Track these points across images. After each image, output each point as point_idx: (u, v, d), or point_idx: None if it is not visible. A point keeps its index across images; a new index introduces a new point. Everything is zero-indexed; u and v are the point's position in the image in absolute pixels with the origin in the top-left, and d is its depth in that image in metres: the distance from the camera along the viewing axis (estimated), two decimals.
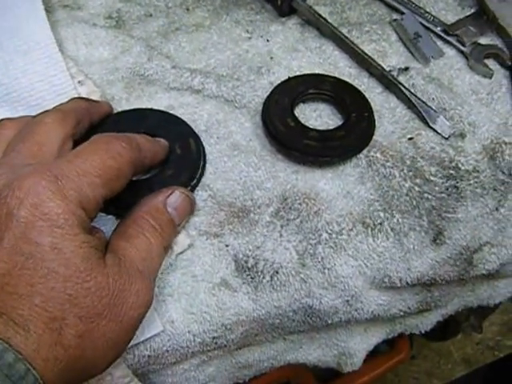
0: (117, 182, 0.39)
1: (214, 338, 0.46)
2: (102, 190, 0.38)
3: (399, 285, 0.49)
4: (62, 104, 0.47)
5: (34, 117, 0.44)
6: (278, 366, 0.58)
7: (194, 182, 0.49)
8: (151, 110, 0.53)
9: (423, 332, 0.63)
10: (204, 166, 0.50)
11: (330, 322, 0.50)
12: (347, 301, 0.49)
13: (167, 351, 0.45)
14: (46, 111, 0.45)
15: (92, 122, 0.49)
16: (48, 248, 0.34)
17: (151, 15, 0.62)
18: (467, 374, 1.29)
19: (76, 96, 0.51)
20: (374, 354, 1.05)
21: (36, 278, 0.34)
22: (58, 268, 0.34)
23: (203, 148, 0.51)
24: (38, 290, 0.33)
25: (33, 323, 0.33)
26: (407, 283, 0.49)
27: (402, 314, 0.54)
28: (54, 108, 0.46)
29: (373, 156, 0.51)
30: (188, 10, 0.63)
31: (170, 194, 0.45)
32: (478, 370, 1.29)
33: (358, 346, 0.58)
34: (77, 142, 0.43)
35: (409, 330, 0.62)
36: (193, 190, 0.49)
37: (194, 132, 0.52)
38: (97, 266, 0.36)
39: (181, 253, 0.46)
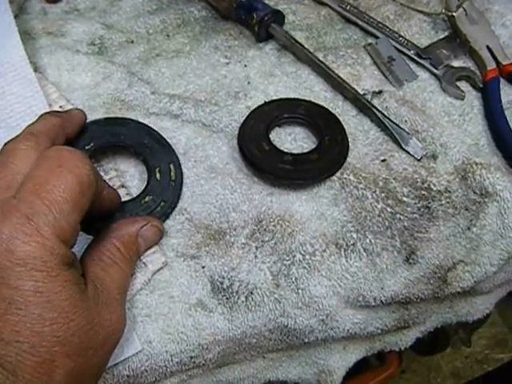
0: (83, 199, 0.38)
1: (191, 357, 0.47)
2: (74, 215, 0.37)
3: (374, 304, 0.50)
4: (33, 124, 0.45)
5: (6, 143, 0.42)
6: (260, 383, 0.58)
7: (169, 210, 0.50)
8: (131, 120, 0.55)
9: (403, 349, 0.63)
10: (180, 194, 0.52)
11: (306, 340, 0.51)
12: (322, 320, 0.49)
13: (146, 371, 0.46)
14: (18, 136, 0.43)
15: (67, 137, 0.48)
16: (30, 292, 0.33)
17: (132, 42, 0.63)
18: None
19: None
20: (363, 369, 1.06)
21: (21, 323, 0.33)
22: (43, 312, 0.34)
23: (182, 175, 0.52)
24: (25, 336, 0.33)
25: (21, 369, 0.33)
26: (382, 302, 0.50)
27: (379, 331, 0.55)
28: (25, 130, 0.44)
29: (346, 178, 0.53)
30: (168, 36, 0.64)
31: (145, 225, 0.46)
32: (467, 383, 1.29)
33: (337, 363, 0.59)
34: None
35: (388, 347, 0.62)
36: (167, 216, 0.50)
37: (176, 155, 0.53)
38: (80, 302, 0.36)
39: (156, 271, 0.47)
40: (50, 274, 0.34)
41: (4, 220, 0.34)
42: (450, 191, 0.53)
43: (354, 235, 0.50)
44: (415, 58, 0.62)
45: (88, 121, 0.53)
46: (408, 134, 0.55)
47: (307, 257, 0.49)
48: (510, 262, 0.56)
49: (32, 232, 0.34)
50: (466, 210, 0.52)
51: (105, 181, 0.45)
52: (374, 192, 0.52)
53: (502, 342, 1.33)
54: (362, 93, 0.58)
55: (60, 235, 0.35)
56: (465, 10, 0.62)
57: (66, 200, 0.36)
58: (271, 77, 0.60)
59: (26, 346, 0.33)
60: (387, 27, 0.64)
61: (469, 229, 0.52)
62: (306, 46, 0.61)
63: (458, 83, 0.60)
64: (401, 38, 0.63)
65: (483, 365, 1.31)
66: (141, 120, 0.55)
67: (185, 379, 0.51)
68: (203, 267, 0.48)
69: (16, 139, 0.42)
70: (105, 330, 0.38)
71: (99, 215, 0.46)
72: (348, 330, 0.51)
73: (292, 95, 0.59)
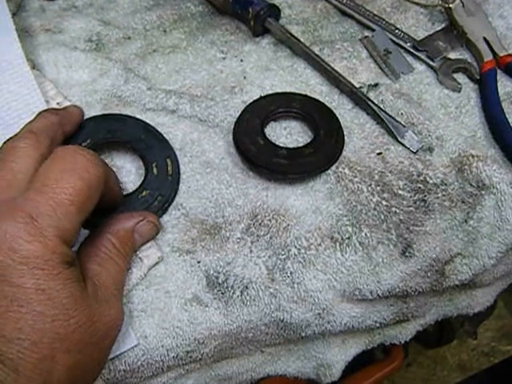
0: (89, 203, 0.38)
1: (187, 352, 0.47)
2: (78, 217, 0.37)
3: (371, 297, 0.50)
4: (31, 122, 0.46)
5: (6, 141, 0.43)
6: (258, 377, 0.59)
7: (167, 205, 0.50)
8: (128, 116, 0.55)
9: (403, 342, 0.63)
10: (177, 188, 0.52)
11: (303, 334, 0.51)
12: (318, 314, 0.49)
13: (142, 365, 0.46)
14: (17, 134, 0.44)
15: (66, 134, 0.49)
16: (32, 290, 0.34)
17: (129, 38, 0.64)
18: (463, 381, 1.29)
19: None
20: (368, 362, 1.07)
21: (23, 321, 0.33)
22: (44, 309, 0.34)
23: (179, 170, 0.52)
24: (26, 333, 0.33)
25: (22, 365, 0.33)
26: (379, 295, 0.50)
27: (378, 325, 0.55)
28: (24, 128, 0.45)
29: (341, 172, 0.53)
30: (165, 31, 0.65)
31: (141, 220, 0.46)
32: (473, 376, 1.29)
33: (336, 357, 0.59)
34: None
35: (388, 340, 0.62)
36: (165, 211, 0.50)
37: (173, 150, 0.53)
38: (81, 299, 0.36)
39: (152, 266, 0.48)
40: (52, 272, 0.35)
41: (8, 219, 0.35)
42: (446, 184, 0.53)
43: (350, 229, 0.50)
44: (411, 50, 0.61)
45: (85, 117, 0.53)
46: (404, 126, 0.55)
47: (302, 251, 0.49)
48: (509, 255, 0.55)
49: (35, 232, 0.35)
50: (463, 202, 0.52)
51: (116, 177, 0.46)
52: (370, 185, 0.52)
53: (509, 334, 1.32)
54: (358, 86, 0.58)
55: (62, 236, 0.36)
56: (461, 1, 0.62)
57: (72, 202, 0.37)
58: (267, 71, 0.60)
59: (28, 343, 0.33)
60: (383, 20, 0.63)
61: (466, 221, 0.52)
62: (301, 39, 0.61)
63: (455, 75, 0.60)
64: (397, 31, 0.63)
65: (490, 357, 1.31)
66: (137, 116, 0.55)
67: (182, 374, 0.51)
68: (199, 262, 0.48)
69: (15, 138, 0.43)
70: (104, 326, 0.38)
71: (100, 210, 0.46)
72: (345, 324, 0.51)
73: (288, 89, 0.59)
